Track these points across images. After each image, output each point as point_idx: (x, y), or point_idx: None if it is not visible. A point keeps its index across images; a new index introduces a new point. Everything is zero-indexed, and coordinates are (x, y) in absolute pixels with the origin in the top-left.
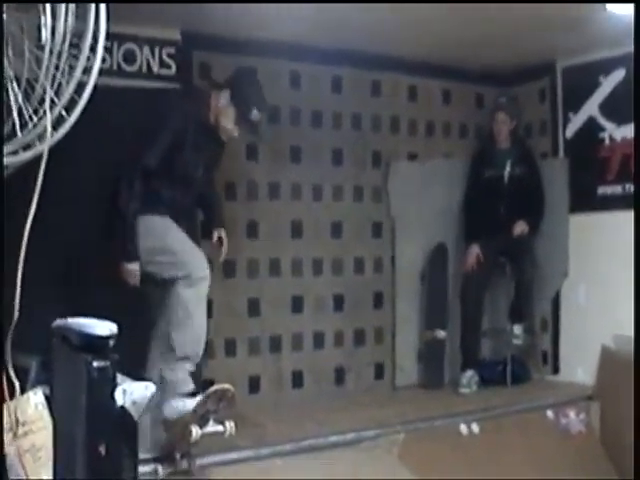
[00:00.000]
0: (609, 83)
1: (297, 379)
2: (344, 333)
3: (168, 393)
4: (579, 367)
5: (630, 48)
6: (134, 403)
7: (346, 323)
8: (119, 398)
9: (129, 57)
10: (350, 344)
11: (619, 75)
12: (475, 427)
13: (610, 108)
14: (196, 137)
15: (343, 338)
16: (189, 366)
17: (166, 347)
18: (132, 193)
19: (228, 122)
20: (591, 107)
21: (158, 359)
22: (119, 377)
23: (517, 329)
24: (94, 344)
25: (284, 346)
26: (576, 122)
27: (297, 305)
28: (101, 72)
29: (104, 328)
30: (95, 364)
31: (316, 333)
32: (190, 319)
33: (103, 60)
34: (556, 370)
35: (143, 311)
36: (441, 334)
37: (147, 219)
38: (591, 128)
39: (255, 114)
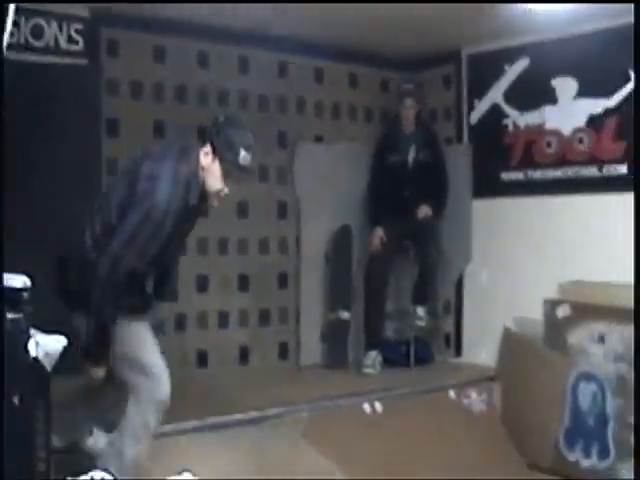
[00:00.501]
0: (513, 71)
1: (202, 358)
2: (249, 312)
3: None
4: (481, 349)
5: (534, 37)
6: (47, 355)
7: (251, 303)
8: (32, 350)
9: (37, 32)
10: (255, 323)
11: (523, 63)
12: (378, 406)
13: (514, 96)
14: (186, 219)
15: (248, 317)
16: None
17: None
18: (111, 298)
19: (216, 182)
20: (495, 94)
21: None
22: (32, 330)
23: (420, 311)
24: (8, 296)
25: (189, 325)
26: (480, 109)
27: (202, 284)
28: (9, 46)
29: (18, 280)
30: (9, 316)
31: (221, 312)
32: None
33: (11, 34)
34: (459, 352)
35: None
36: (345, 315)
37: (123, 325)
38: (495, 115)
39: (244, 156)
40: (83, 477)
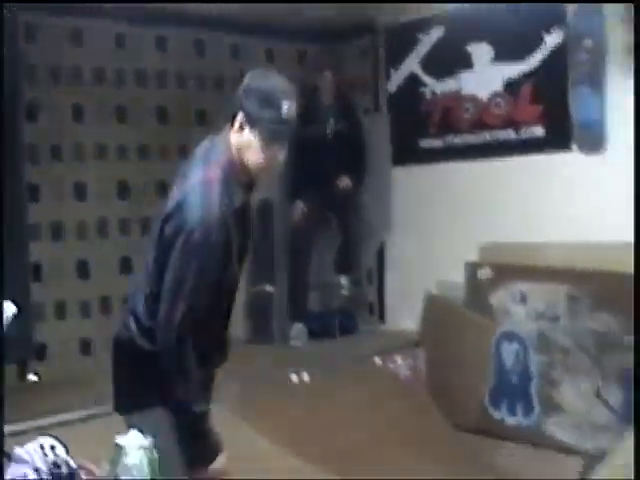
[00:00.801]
0: (428, 40)
1: None
2: None
3: None
4: (405, 315)
5: (448, 6)
6: None
7: None
8: None
9: None
10: None
11: (438, 32)
12: (306, 376)
13: (430, 64)
14: (240, 225)
15: None
16: None
17: None
18: (188, 374)
19: (256, 155)
20: (412, 63)
21: None
22: None
23: (344, 281)
24: None
25: (115, 308)
26: (397, 78)
27: (126, 265)
28: None
29: None
30: None
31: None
32: None
33: None
34: (383, 319)
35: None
36: (269, 288)
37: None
38: (412, 84)
39: (289, 107)
40: (30, 444)
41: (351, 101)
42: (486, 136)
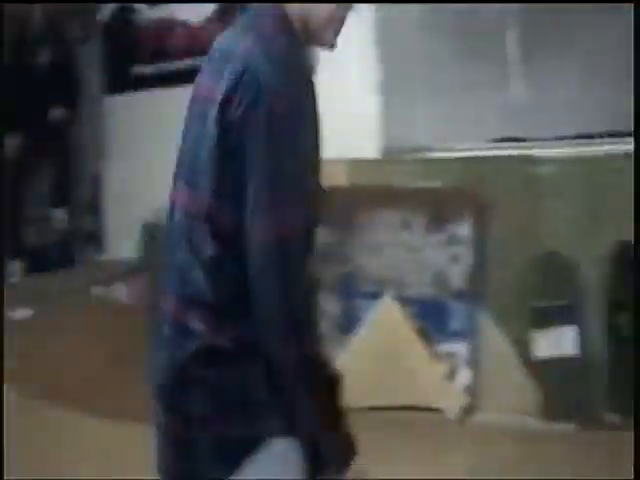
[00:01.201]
0: None
1: None
2: None
3: None
4: (125, 244)
5: None
6: None
7: None
8: None
9: None
10: None
11: None
12: (27, 312)
13: None
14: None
15: None
16: None
17: None
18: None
19: (323, 7)
20: None
21: None
22: None
23: (59, 213)
24: None
25: None
26: (108, 7)
27: None
28: None
29: None
30: None
31: None
32: None
33: None
34: (102, 249)
35: None
36: None
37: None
38: (123, 12)
39: None
40: None
41: (61, 30)
42: (198, 61)
